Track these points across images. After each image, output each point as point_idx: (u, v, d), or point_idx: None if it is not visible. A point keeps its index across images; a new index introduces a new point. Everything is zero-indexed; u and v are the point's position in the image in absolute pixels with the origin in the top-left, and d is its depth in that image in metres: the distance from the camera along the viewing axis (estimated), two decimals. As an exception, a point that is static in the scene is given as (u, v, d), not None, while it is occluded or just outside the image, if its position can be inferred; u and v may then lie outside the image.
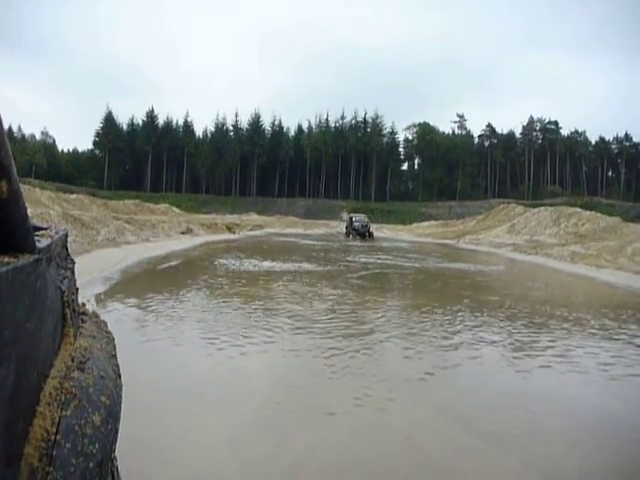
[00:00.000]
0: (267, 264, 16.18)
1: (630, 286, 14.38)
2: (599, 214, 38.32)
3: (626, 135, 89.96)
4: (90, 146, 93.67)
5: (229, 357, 5.84)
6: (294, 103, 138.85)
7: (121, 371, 1.20)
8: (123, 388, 1.07)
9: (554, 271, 19.27)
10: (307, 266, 16.21)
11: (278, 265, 16.07)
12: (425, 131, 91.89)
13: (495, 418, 4.42)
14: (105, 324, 1.40)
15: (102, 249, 16.18)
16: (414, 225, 62.04)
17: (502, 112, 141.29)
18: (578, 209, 40.40)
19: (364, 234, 38.02)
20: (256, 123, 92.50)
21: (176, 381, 4.94)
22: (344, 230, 44.10)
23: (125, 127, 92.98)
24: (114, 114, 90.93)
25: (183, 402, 4.39)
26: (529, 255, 25.87)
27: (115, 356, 1.27)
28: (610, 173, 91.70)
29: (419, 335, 7.33)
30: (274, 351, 6.22)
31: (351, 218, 41.53)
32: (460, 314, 9.05)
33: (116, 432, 0.89)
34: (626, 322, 9.05)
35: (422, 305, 9.96)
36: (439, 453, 3.72)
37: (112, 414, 0.84)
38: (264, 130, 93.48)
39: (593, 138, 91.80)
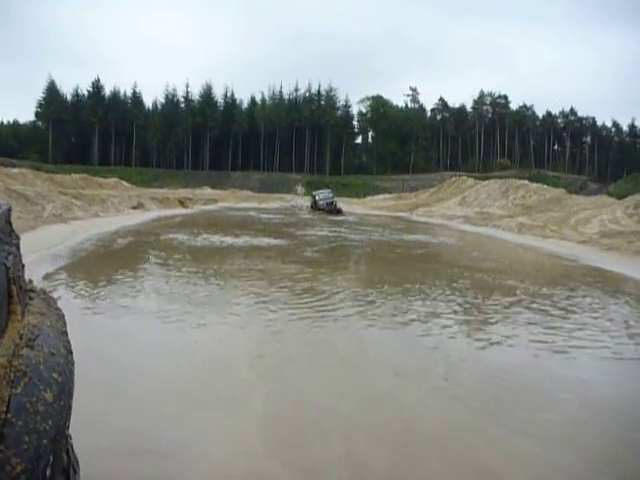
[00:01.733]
0: (224, 239, 16.02)
1: (573, 255, 15.06)
2: (545, 186, 39.70)
3: (571, 110, 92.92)
4: (32, 117, 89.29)
5: (181, 330, 5.82)
6: (246, 75, 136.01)
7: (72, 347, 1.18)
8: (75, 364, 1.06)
9: (502, 242, 19.92)
10: (267, 240, 16.15)
11: (236, 240, 15.93)
12: (378, 104, 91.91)
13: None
14: (54, 301, 1.37)
15: (49, 225, 15.62)
16: (369, 198, 62.50)
17: (453, 86, 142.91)
18: (526, 181, 41.71)
19: (331, 211, 34.85)
20: (208, 95, 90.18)
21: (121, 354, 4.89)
22: (306, 204, 43.40)
23: (69, 98, 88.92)
24: (57, 84, 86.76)
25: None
26: (479, 227, 26.61)
27: (66, 332, 1.26)
28: (556, 146, 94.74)
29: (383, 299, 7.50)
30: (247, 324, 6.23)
31: (314, 197, 37.65)
32: (413, 283, 9.28)
33: (69, 408, 0.87)
34: (556, 287, 9.51)
35: (379, 274, 10.17)
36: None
37: (64, 390, 0.82)
38: (216, 102, 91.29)
39: (540, 112, 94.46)
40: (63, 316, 1.35)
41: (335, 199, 36.77)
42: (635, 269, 12.08)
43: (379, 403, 4.11)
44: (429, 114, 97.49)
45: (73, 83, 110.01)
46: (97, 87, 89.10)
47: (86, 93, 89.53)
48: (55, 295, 5.26)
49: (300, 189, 75.59)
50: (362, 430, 3.59)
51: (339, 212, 35.06)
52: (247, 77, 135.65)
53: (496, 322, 6.86)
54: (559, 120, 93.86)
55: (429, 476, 3.12)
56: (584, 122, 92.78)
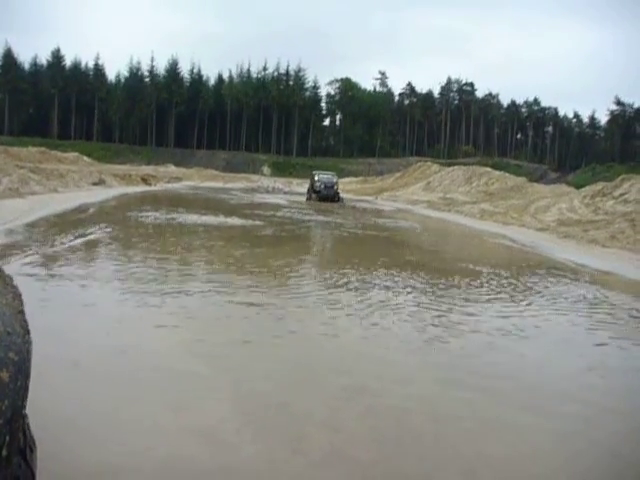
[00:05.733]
0: (190, 218, 15.80)
1: (533, 242, 15.50)
2: (507, 174, 40.59)
3: (535, 99, 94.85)
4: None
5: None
6: (213, 50, 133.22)
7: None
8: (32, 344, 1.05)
9: (462, 227, 20.32)
10: (234, 221, 16.03)
11: (202, 219, 15.75)
12: (347, 87, 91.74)
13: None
14: (10, 279, 1.35)
15: (4, 200, 15.11)
16: (335, 181, 62.53)
17: (417, 72, 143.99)
18: (489, 169, 42.47)
19: (328, 197, 29.91)
20: (173, 70, 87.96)
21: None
22: (273, 185, 42.29)
23: (27, 67, 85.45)
24: (14, 52, 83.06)
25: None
26: (442, 212, 27.03)
27: (23, 312, 1.24)
28: (519, 135, 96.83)
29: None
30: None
31: (313, 177, 31.90)
32: (375, 269, 9.41)
33: (26, 388, 0.86)
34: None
35: (337, 254, 10.28)
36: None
37: (21, 370, 0.81)
38: (182, 78, 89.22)
39: (505, 101, 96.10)
40: (20, 295, 1.33)
41: (337, 185, 31.65)
42: (579, 256, 12.56)
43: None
44: (397, 99, 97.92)
45: (31, 52, 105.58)
46: (57, 57, 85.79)
47: (45, 63, 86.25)
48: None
49: (266, 170, 75.05)
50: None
51: (338, 200, 30.26)
52: (212, 51, 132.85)
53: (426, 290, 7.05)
54: (523, 109, 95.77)
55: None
56: (547, 112, 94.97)
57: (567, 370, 4.89)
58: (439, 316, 6.28)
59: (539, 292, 8.25)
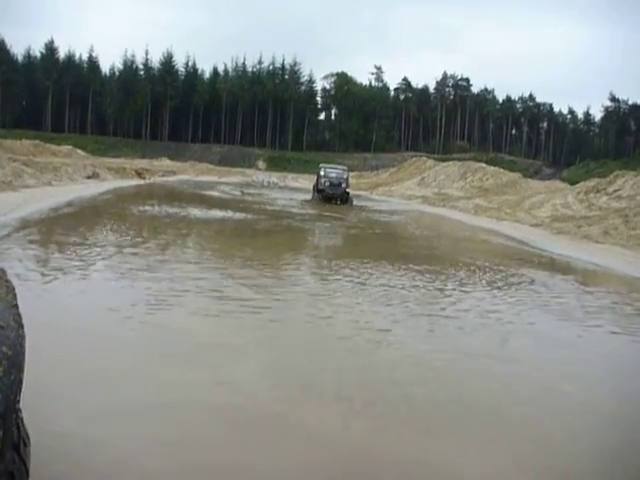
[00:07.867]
0: (186, 212, 15.75)
1: (527, 237, 15.55)
2: (502, 170, 40.69)
3: (530, 95, 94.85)
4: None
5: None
6: (206, 44, 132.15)
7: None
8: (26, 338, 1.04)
9: (456, 222, 20.37)
10: (231, 214, 16.03)
11: (198, 213, 15.73)
12: (343, 81, 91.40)
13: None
14: (4, 273, 1.34)
15: (-3, 193, 15.00)
16: (330, 175, 62.38)
17: (409, 66, 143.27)
18: (483, 164, 42.54)
19: (334, 197, 24.35)
20: (168, 63, 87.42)
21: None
22: (268, 179, 41.82)
23: (20, 59, 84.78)
24: (7, 43, 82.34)
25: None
26: (437, 207, 27.06)
27: (16, 305, 1.23)
28: (514, 131, 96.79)
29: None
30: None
31: (318, 171, 26.11)
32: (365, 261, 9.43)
33: (20, 383, 0.85)
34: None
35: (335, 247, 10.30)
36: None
37: (15, 364, 0.80)
38: (177, 71, 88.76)
39: (500, 97, 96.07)
40: (13, 289, 1.32)
41: (346, 182, 25.27)
42: (572, 252, 12.65)
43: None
44: (392, 93, 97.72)
45: (25, 44, 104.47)
46: (51, 49, 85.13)
47: (39, 55, 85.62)
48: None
49: (261, 164, 74.85)
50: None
51: (346, 201, 24.45)
52: (205, 45, 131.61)
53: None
54: (518, 105, 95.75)
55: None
56: (542, 108, 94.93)
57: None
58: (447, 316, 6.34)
59: (523, 284, 8.41)
